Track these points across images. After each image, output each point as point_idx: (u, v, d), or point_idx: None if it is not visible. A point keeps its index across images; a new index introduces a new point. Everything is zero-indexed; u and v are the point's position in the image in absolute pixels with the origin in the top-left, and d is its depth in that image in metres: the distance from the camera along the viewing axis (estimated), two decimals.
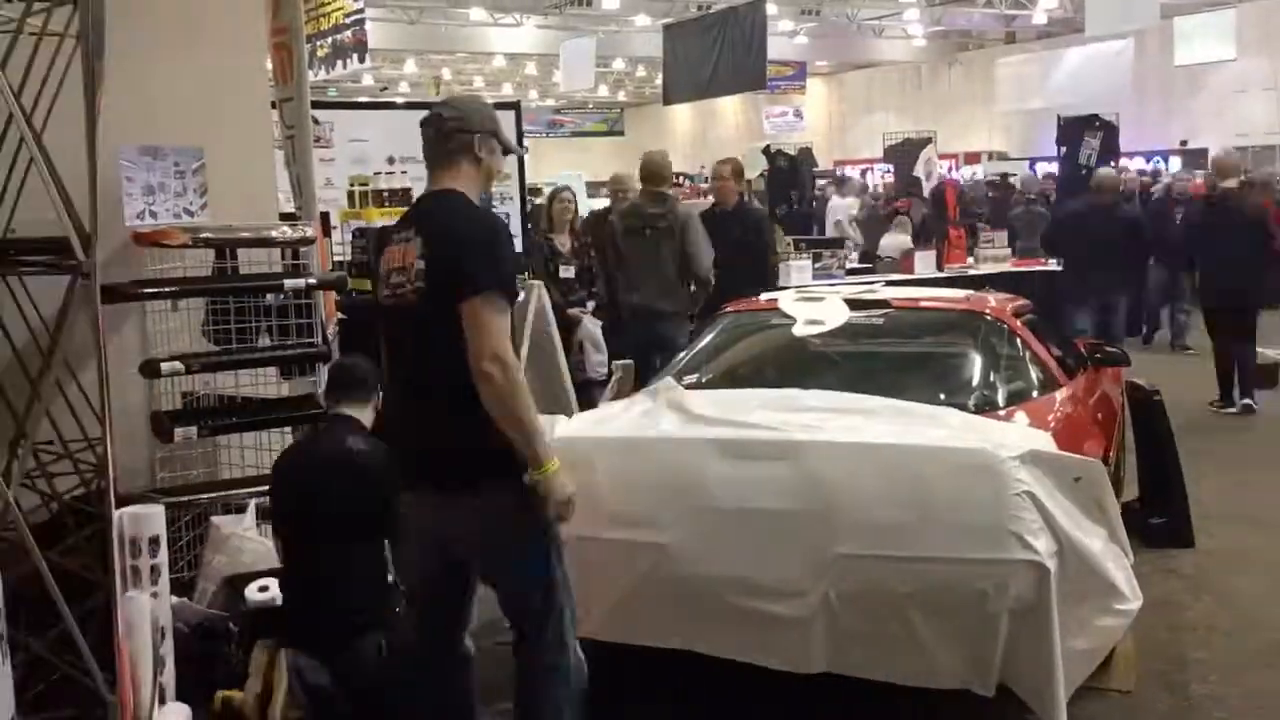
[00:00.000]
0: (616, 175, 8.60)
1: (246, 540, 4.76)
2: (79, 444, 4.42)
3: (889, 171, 20.84)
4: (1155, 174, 18.80)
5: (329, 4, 14.30)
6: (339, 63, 14.45)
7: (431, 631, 3.43)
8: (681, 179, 25.78)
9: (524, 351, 7.19)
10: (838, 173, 25.91)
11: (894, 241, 12.74)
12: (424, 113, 3.37)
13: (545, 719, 3.36)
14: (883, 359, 5.14)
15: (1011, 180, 19.02)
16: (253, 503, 4.87)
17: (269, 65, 5.70)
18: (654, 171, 7.22)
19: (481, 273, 3.07)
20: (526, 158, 12.40)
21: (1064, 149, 14.77)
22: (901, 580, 3.58)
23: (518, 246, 11.13)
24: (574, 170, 24.42)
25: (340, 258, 8.01)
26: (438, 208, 3.26)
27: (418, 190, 8.84)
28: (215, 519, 4.82)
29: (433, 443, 3.21)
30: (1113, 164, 14.55)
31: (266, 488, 4.43)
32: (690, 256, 6.93)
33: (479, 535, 3.24)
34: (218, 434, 4.81)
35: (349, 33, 14.20)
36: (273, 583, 4.40)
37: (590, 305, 7.59)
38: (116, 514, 3.54)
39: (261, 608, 4.30)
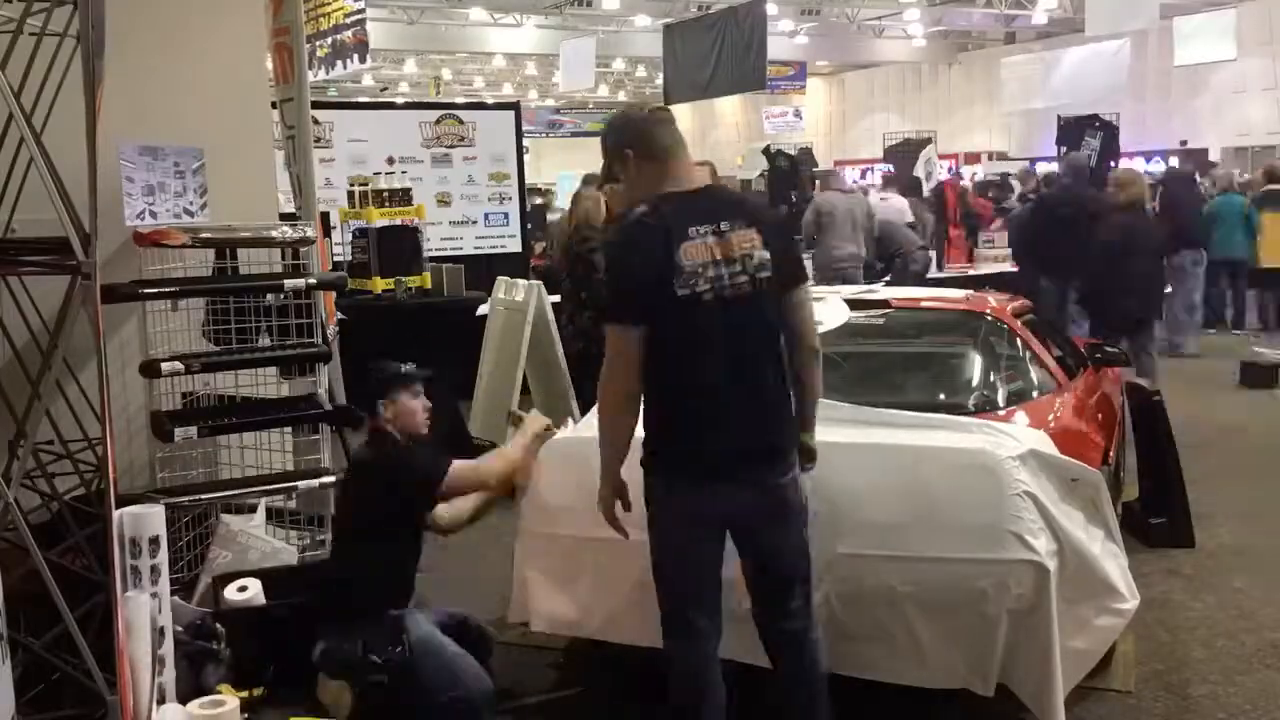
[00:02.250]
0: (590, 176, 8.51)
1: (254, 539, 4.77)
2: (79, 444, 4.42)
3: (889, 171, 20.83)
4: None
5: (329, 4, 14.31)
6: (339, 63, 14.47)
7: (712, 614, 3.30)
8: None
9: (523, 351, 7.20)
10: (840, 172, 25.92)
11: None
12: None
13: (821, 683, 3.37)
14: (883, 359, 5.14)
15: (1012, 180, 19.02)
16: (263, 502, 4.88)
17: (269, 65, 5.71)
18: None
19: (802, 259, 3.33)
20: (527, 158, 12.45)
21: (1064, 149, 14.75)
22: (901, 580, 3.58)
23: (516, 246, 11.28)
24: (574, 170, 24.44)
25: (340, 258, 8.03)
26: (744, 199, 3.40)
27: (417, 190, 8.92)
28: (225, 517, 4.83)
29: (765, 432, 3.21)
30: (1113, 164, 14.56)
31: (266, 488, 4.47)
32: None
33: (770, 510, 3.25)
34: (218, 434, 4.81)
35: (349, 33, 14.21)
36: (252, 583, 4.42)
37: None
38: (116, 514, 3.54)
39: (245, 608, 4.33)
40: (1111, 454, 5.00)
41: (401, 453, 4.05)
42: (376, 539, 3.98)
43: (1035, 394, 4.71)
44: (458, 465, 4.07)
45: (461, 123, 11.02)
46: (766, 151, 20.29)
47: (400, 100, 28.57)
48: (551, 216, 15.88)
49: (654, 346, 3.14)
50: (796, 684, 3.38)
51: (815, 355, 3.33)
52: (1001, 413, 4.40)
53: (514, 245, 11.26)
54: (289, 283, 4.84)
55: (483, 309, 7.82)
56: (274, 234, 4.95)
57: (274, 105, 5.76)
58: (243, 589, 4.41)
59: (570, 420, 4.78)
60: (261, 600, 4.41)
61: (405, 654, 3.83)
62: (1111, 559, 3.88)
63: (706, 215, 3.17)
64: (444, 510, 4.19)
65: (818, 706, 3.37)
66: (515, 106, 12.70)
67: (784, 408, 3.28)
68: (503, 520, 5.80)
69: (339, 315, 6.82)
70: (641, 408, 3.24)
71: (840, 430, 3.89)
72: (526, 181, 12.24)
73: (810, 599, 3.38)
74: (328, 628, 3.98)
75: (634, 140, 3.28)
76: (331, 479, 4.84)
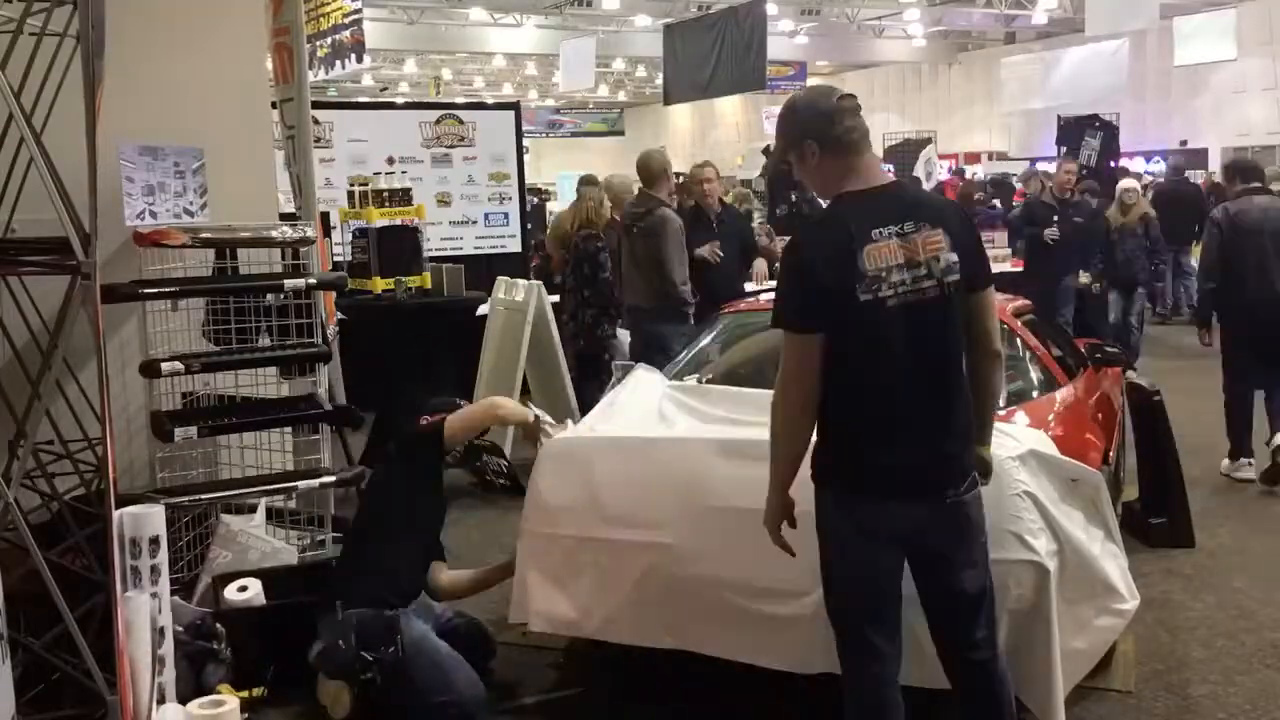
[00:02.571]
0: (609, 179, 8.69)
1: (254, 539, 4.77)
2: (79, 444, 4.42)
3: (889, 171, 20.86)
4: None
5: (329, 4, 14.31)
6: (338, 63, 14.47)
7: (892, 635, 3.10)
8: (680, 177, 25.77)
9: (524, 351, 7.20)
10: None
11: None
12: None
13: (1009, 714, 3.18)
14: None
15: (1013, 180, 19.01)
16: (263, 502, 4.88)
17: (269, 65, 5.71)
18: (642, 172, 7.26)
19: (988, 260, 3.22)
20: (527, 158, 12.45)
21: (1064, 149, 14.77)
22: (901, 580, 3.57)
23: (516, 246, 11.28)
24: (574, 170, 24.44)
25: (340, 258, 8.03)
26: (929, 198, 3.29)
27: (417, 190, 8.92)
28: (225, 517, 4.83)
29: (948, 444, 3.03)
30: (1113, 164, 14.57)
31: (266, 488, 4.49)
32: (659, 263, 6.92)
33: (951, 526, 3.06)
34: (218, 434, 4.81)
35: (348, 33, 14.21)
36: (253, 583, 4.43)
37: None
38: (116, 514, 3.54)
39: (246, 608, 4.33)
40: (1111, 454, 5.00)
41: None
42: (394, 523, 4.13)
43: (1035, 394, 4.71)
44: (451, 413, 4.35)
45: (461, 123, 11.02)
46: (766, 151, 20.29)
47: (400, 100, 28.57)
48: (552, 206, 15.93)
49: (834, 353, 2.96)
50: (982, 716, 3.20)
51: (999, 360, 3.19)
52: (1001, 413, 4.39)
53: (514, 245, 11.26)
54: (289, 283, 4.84)
55: (483, 309, 7.82)
56: (274, 234, 4.95)
57: (274, 105, 5.77)
58: (243, 589, 4.42)
59: (570, 421, 4.79)
60: (262, 600, 4.41)
61: (397, 654, 3.84)
62: (1111, 559, 3.88)
63: (891, 215, 2.98)
64: (445, 579, 4.45)
65: None
66: (515, 106, 12.70)
67: (967, 418, 3.08)
68: (503, 521, 5.80)
69: (339, 315, 6.83)
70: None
71: None
72: (526, 181, 12.24)
73: (995, 625, 3.17)
74: (325, 625, 3.99)
75: (819, 132, 3.05)
76: (332, 479, 4.85)
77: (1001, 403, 4.50)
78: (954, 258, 2.99)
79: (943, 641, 3.19)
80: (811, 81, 30.65)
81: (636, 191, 7.48)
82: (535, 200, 16.27)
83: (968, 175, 21.81)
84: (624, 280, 7.25)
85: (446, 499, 4.52)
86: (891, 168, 19.80)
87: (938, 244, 2.98)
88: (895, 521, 3.01)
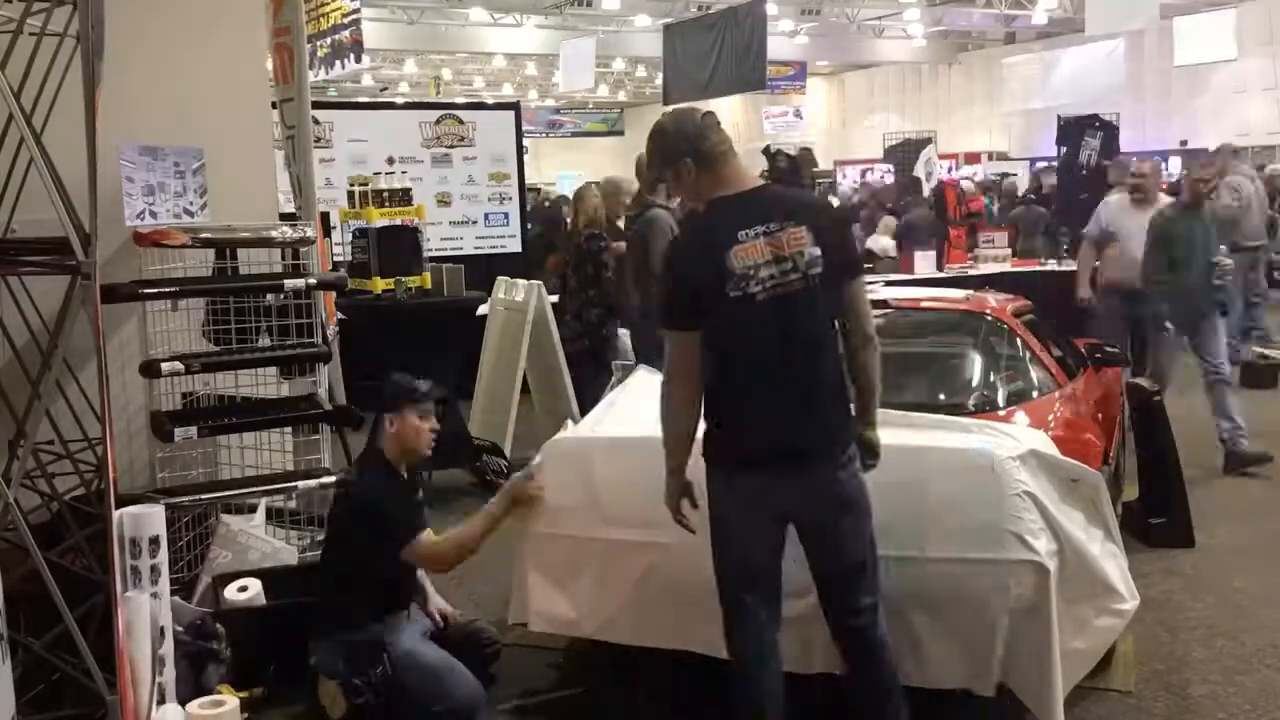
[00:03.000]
0: (610, 180, 8.44)
1: (254, 539, 4.77)
2: (79, 444, 4.42)
3: (889, 171, 20.82)
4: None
5: (328, 4, 14.31)
6: (338, 63, 14.47)
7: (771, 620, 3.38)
8: None
9: (524, 351, 7.20)
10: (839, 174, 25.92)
11: (880, 244, 12.84)
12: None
13: (893, 682, 3.40)
14: (883, 359, 5.12)
15: (1011, 180, 19.02)
16: (263, 502, 4.88)
17: (269, 65, 5.71)
18: (640, 175, 7.09)
19: (859, 254, 3.33)
20: (527, 158, 12.45)
21: (1064, 149, 14.74)
22: (902, 580, 3.57)
23: (516, 246, 11.28)
24: (574, 170, 24.44)
25: (340, 258, 8.02)
26: (795, 196, 3.45)
27: (417, 190, 8.91)
28: (225, 517, 4.83)
29: (819, 425, 3.27)
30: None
31: (266, 488, 4.48)
32: (648, 267, 6.60)
33: (828, 503, 3.29)
34: (218, 434, 4.81)
35: (347, 33, 14.20)
36: (253, 582, 4.42)
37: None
38: (116, 514, 3.54)
39: (247, 608, 4.33)
40: (1111, 454, 5.00)
41: (380, 499, 3.99)
42: (353, 566, 4.00)
43: (1035, 394, 4.71)
44: (423, 542, 3.99)
45: (461, 123, 11.01)
46: (766, 151, 20.27)
47: (400, 100, 28.56)
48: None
49: (713, 346, 3.24)
50: (869, 684, 3.40)
51: (872, 345, 3.37)
52: (1001, 413, 4.40)
53: (514, 245, 11.26)
54: (289, 283, 4.84)
55: (483, 309, 7.82)
56: (274, 234, 4.95)
57: (274, 105, 5.76)
58: (243, 589, 4.41)
59: (570, 421, 4.78)
60: (262, 600, 4.41)
61: (387, 673, 3.83)
62: (1111, 559, 3.88)
63: (757, 216, 3.22)
64: (428, 551, 4.08)
65: (891, 704, 3.39)
66: (515, 106, 12.70)
67: (840, 401, 3.32)
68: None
69: (339, 315, 6.82)
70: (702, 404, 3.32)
71: None
72: (526, 181, 12.24)
73: (878, 594, 3.37)
74: (318, 637, 3.98)
75: (690, 149, 3.30)
76: (332, 479, 4.85)
77: (1001, 402, 4.52)
78: (817, 251, 3.21)
79: (828, 610, 3.42)
80: (811, 81, 30.71)
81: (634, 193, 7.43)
82: (548, 203, 16.16)
83: (969, 175, 21.81)
84: (624, 280, 7.22)
85: (421, 501, 4.25)
86: (891, 168, 19.82)
87: (801, 240, 3.21)
88: (771, 496, 3.27)
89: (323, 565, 4.26)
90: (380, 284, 7.03)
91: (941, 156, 21.57)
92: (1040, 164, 19.89)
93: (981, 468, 3.61)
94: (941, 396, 4.66)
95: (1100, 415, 5.10)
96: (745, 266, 3.18)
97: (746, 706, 3.38)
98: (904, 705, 3.41)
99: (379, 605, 4.01)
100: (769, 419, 3.25)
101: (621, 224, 7.48)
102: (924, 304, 5.59)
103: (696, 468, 3.43)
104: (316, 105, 8.46)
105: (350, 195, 7.74)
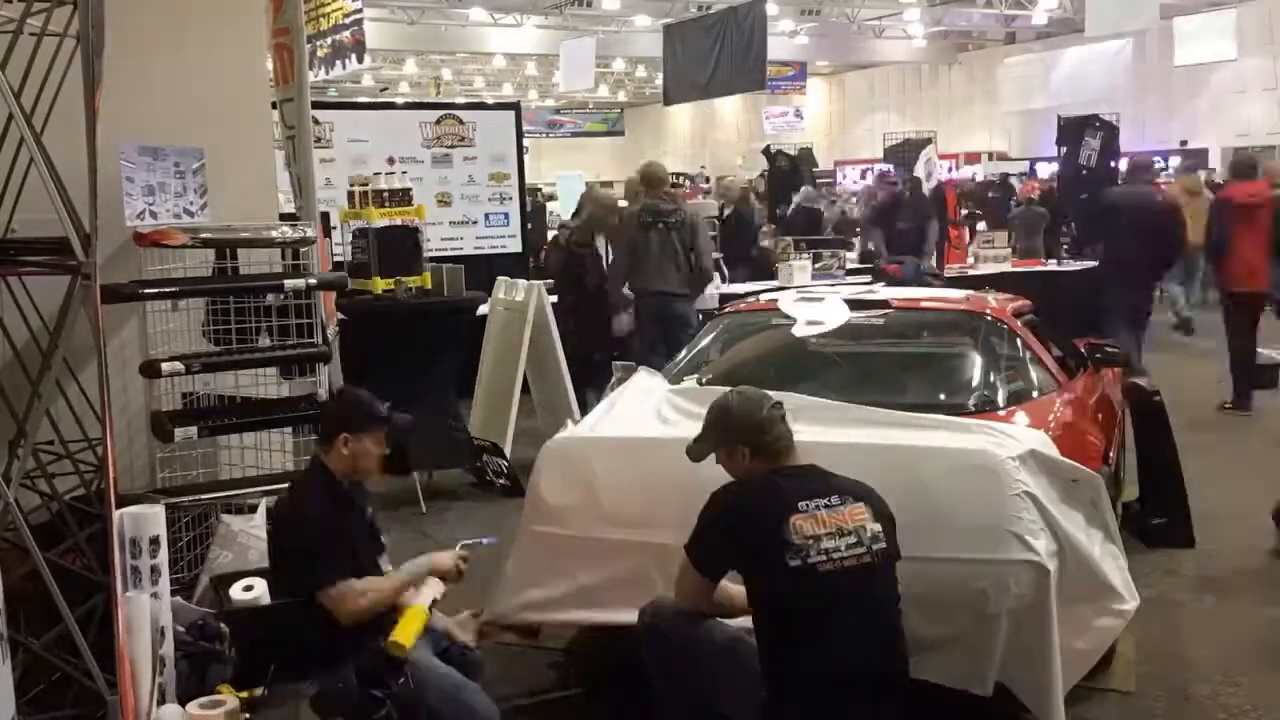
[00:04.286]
0: (630, 179, 9.64)
1: (254, 539, 4.76)
2: (79, 444, 4.42)
3: (890, 171, 20.85)
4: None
5: (329, 4, 14.30)
6: (339, 63, 14.45)
7: None
8: (682, 179, 25.81)
9: (524, 351, 7.20)
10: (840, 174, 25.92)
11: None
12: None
13: None
14: (883, 359, 5.14)
15: (1011, 180, 19.02)
16: (263, 502, 4.87)
17: (269, 65, 5.70)
18: (660, 177, 8.40)
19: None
20: (527, 158, 12.45)
21: (1064, 149, 14.74)
22: (901, 580, 3.57)
23: (516, 246, 11.29)
24: (574, 170, 24.44)
25: (340, 258, 8.02)
26: (842, 479, 3.38)
27: (418, 190, 8.90)
28: (225, 517, 4.82)
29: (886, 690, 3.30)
30: (1113, 165, 14.54)
31: (267, 488, 4.45)
32: (701, 251, 8.02)
33: None
34: (218, 434, 4.81)
35: (348, 33, 14.19)
36: (258, 582, 4.39)
37: None
38: (116, 514, 3.54)
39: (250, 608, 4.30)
40: (1111, 454, 5.00)
41: (311, 529, 3.72)
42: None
43: (1035, 394, 4.71)
44: (343, 588, 3.66)
45: (461, 123, 11.00)
46: (766, 151, 20.28)
47: (400, 100, 28.56)
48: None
49: (770, 616, 3.24)
50: None
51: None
52: (1001, 413, 4.40)
53: (514, 245, 11.25)
54: (289, 283, 4.84)
55: (483, 309, 7.83)
56: (274, 234, 4.95)
57: (274, 105, 5.76)
58: (248, 588, 4.40)
59: (570, 421, 4.79)
60: (267, 599, 4.40)
61: (408, 685, 3.59)
62: (1111, 560, 3.89)
63: (818, 490, 3.25)
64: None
65: None
66: (515, 106, 12.69)
67: (903, 676, 3.32)
68: (503, 521, 5.80)
69: (339, 316, 6.82)
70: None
71: (841, 430, 3.90)
72: (527, 182, 12.24)
73: None
74: (315, 666, 3.72)
75: (751, 439, 3.37)
76: None
77: (1001, 402, 4.52)
78: (879, 527, 3.23)
79: None
80: (811, 81, 30.71)
81: (640, 193, 8.38)
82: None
83: (969, 175, 21.84)
84: (646, 269, 7.95)
85: (364, 520, 3.97)
86: (891, 168, 19.81)
87: (862, 515, 3.23)
88: None
89: (285, 594, 3.93)
90: (380, 284, 7.03)
91: (941, 156, 21.58)
92: (1039, 164, 19.91)
93: (981, 468, 3.62)
94: (942, 396, 4.66)
95: (1100, 415, 5.10)
96: (804, 537, 3.16)
97: None
98: None
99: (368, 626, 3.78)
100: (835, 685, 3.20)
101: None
102: (924, 304, 5.59)
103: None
104: (316, 105, 8.45)
105: (350, 195, 7.73)
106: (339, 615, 3.66)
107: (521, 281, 7.75)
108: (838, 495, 3.25)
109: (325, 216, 7.64)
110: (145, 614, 3.52)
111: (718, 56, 19.41)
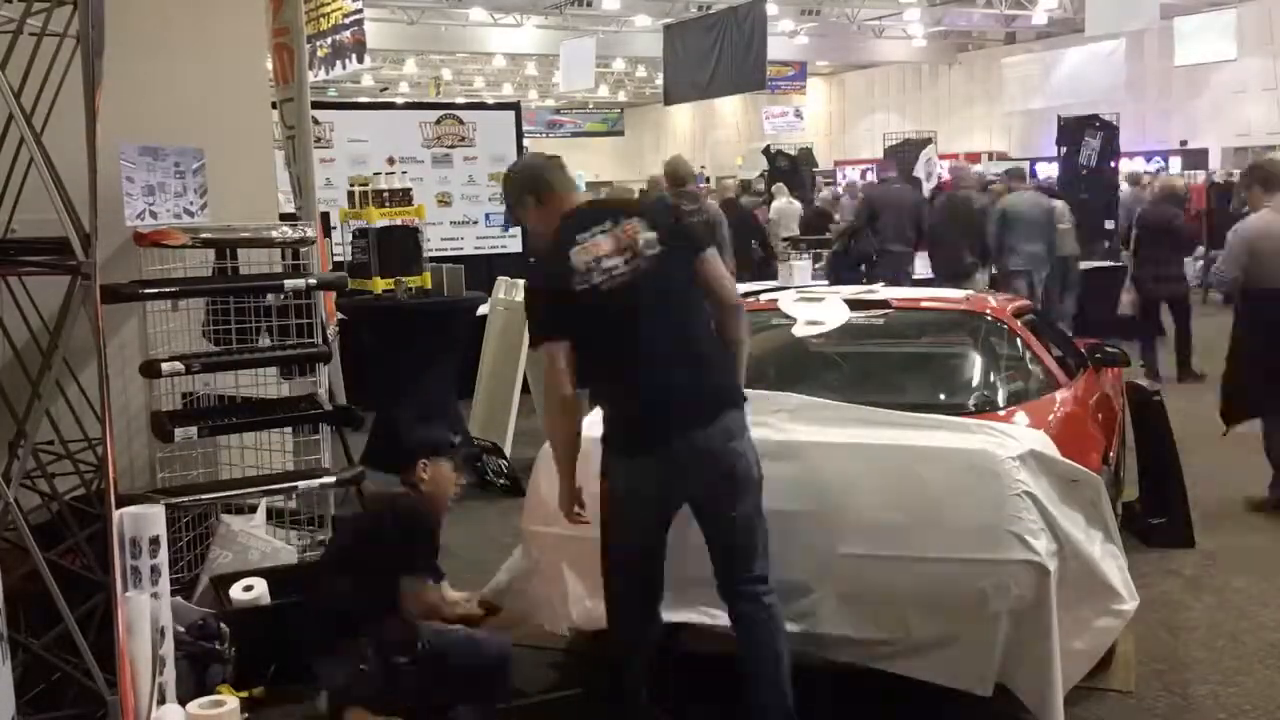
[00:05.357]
0: (654, 177, 9.99)
1: (254, 539, 4.77)
2: (79, 444, 4.42)
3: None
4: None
5: (329, 4, 14.30)
6: (339, 63, 14.45)
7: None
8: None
9: (524, 351, 7.20)
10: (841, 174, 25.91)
11: None
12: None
13: (781, 650, 3.50)
14: (883, 359, 5.14)
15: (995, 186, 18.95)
16: (263, 502, 4.88)
17: (269, 65, 5.71)
18: (683, 173, 8.65)
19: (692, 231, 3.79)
20: None
21: (1064, 149, 14.75)
22: (902, 580, 3.58)
23: (516, 246, 11.30)
24: (574, 171, 24.40)
25: (340, 258, 8.03)
26: (625, 199, 4.14)
27: (418, 190, 8.96)
28: (225, 517, 4.83)
29: (696, 389, 3.44)
30: (1113, 165, 14.55)
31: (266, 488, 4.46)
32: (722, 249, 8.04)
33: (716, 475, 3.43)
34: (218, 434, 4.81)
35: (348, 33, 14.19)
36: (258, 582, 4.40)
37: None
38: (116, 514, 3.54)
39: (251, 608, 4.31)
40: (1111, 454, 4.99)
41: (415, 529, 4.01)
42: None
43: (1035, 394, 4.70)
44: (430, 591, 4.06)
45: (462, 123, 11.01)
46: (766, 151, 20.31)
47: (400, 100, 28.57)
48: None
49: (580, 344, 3.44)
50: (757, 653, 3.50)
51: (734, 309, 3.60)
52: (1001, 413, 4.40)
53: (514, 245, 11.26)
54: (289, 283, 4.84)
55: (483, 309, 7.82)
56: (274, 234, 4.96)
57: (274, 105, 5.77)
58: (249, 588, 4.41)
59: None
60: (267, 600, 4.40)
61: (427, 648, 3.83)
62: (1111, 560, 3.88)
63: (592, 221, 3.51)
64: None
65: (779, 674, 3.47)
66: (515, 106, 12.69)
67: (713, 363, 3.49)
68: (504, 521, 5.80)
69: (339, 315, 6.82)
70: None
71: (841, 430, 3.89)
72: None
73: (766, 566, 3.48)
74: (329, 662, 3.84)
75: (532, 185, 3.65)
76: (332, 479, 4.85)
77: (1001, 402, 4.52)
78: (652, 234, 3.47)
79: (720, 585, 3.54)
80: (811, 81, 30.73)
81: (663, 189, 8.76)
82: None
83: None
84: None
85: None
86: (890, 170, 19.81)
87: (635, 229, 3.48)
88: (661, 474, 3.41)
89: (333, 578, 4.01)
90: (380, 284, 7.03)
91: (942, 156, 21.60)
92: (1039, 164, 19.89)
93: (981, 468, 3.62)
94: (941, 396, 4.66)
95: (1100, 415, 5.09)
96: (585, 263, 3.42)
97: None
98: (789, 677, 3.50)
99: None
100: (644, 393, 3.43)
101: None
102: (924, 304, 5.59)
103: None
104: (316, 105, 8.46)
105: (350, 195, 7.74)
106: (418, 608, 3.96)
107: (521, 281, 7.74)
108: (612, 219, 3.49)
109: (325, 216, 7.67)
110: (145, 614, 3.52)
111: (718, 56, 19.42)
